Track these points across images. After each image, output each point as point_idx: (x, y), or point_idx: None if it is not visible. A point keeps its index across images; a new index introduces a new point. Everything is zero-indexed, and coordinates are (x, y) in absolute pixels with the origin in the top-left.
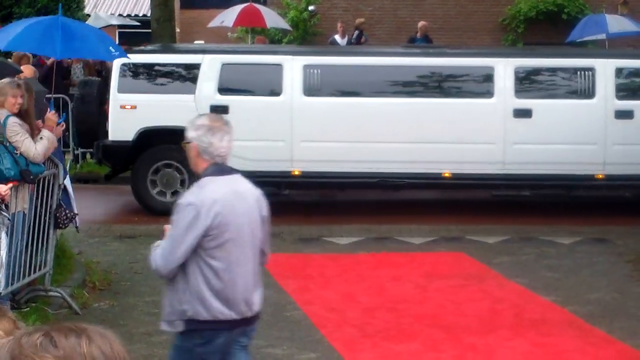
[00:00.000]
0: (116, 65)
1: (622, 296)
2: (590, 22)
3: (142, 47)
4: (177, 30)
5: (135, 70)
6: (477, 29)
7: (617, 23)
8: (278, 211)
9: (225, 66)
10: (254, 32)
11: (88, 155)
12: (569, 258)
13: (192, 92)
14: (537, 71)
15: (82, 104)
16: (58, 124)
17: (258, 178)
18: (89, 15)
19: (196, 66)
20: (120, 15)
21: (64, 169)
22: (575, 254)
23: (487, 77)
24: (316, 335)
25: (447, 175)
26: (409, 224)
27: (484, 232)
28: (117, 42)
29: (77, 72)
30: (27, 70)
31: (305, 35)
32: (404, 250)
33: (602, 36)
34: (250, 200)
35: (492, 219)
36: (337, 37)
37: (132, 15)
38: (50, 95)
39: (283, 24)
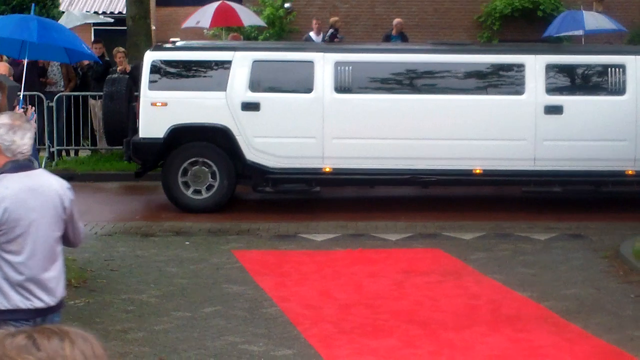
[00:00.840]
0: (147, 62)
1: (598, 292)
2: (568, 18)
3: (170, 44)
4: (153, 27)
5: (165, 68)
6: (453, 26)
7: (594, 20)
8: (254, 208)
9: (256, 63)
10: (229, 29)
11: (64, 153)
12: (545, 254)
13: (224, 89)
14: (568, 68)
15: (110, 101)
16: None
17: (289, 175)
18: (64, 12)
19: (227, 63)
20: (95, 12)
21: (38, 166)
22: (551, 250)
23: (518, 74)
24: (292, 331)
25: (478, 171)
26: (385, 220)
27: (460, 228)
28: (92, 39)
29: (55, 70)
30: (2, 67)
31: (281, 32)
32: (381, 246)
33: (579, 32)
34: (48, 195)
35: (468, 216)
36: (312, 35)
37: (108, 12)
38: (20, 93)
39: (258, 20)
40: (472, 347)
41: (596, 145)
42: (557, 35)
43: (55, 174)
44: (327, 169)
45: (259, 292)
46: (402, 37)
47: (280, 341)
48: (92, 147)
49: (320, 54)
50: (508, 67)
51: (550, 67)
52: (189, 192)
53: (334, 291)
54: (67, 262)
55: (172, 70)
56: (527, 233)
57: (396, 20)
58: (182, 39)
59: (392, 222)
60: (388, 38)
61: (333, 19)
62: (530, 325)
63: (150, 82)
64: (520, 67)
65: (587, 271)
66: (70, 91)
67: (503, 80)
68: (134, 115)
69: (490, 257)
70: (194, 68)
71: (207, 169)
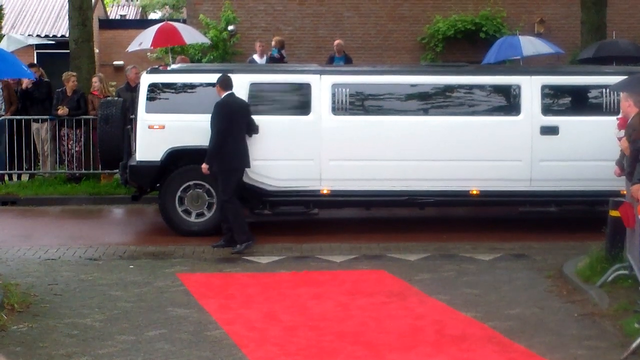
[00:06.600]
0: (144, 85)
1: (542, 311)
2: (505, 44)
3: (168, 67)
4: (96, 51)
5: (163, 90)
6: (396, 47)
7: (531, 45)
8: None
9: (253, 85)
10: (173, 52)
11: (6, 178)
12: (489, 274)
13: None
14: (563, 89)
15: (105, 124)
16: None
17: (287, 197)
18: (4, 36)
19: None
20: (38, 35)
21: None
22: (495, 270)
23: (514, 95)
24: (237, 354)
25: (475, 192)
26: (330, 242)
27: (405, 249)
28: (35, 62)
29: None
30: None
31: (225, 55)
32: (325, 268)
33: (517, 57)
34: None
35: (412, 237)
36: (256, 57)
37: (51, 35)
38: None
39: (202, 38)
40: None
41: (592, 165)
42: (496, 62)
43: None
44: (325, 191)
45: (204, 314)
46: (346, 58)
47: None
48: (43, 172)
49: (318, 76)
50: (504, 89)
51: (545, 88)
52: (187, 216)
53: (279, 313)
54: (9, 286)
55: (169, 92)
56: (471, 254)
57: (336, 42)
58: (125, 62)
59: (337, 244)
60: (332, 59)
61: (276, 39)
62: (475, 346)
63: (148, 104)
64: (516, 88)
65: (530, 291)
66: (11, 115)
67: (499, 102)
68: (128, 138)
69: (435, 278)
70: (191, 90)
71: (204, 192)
